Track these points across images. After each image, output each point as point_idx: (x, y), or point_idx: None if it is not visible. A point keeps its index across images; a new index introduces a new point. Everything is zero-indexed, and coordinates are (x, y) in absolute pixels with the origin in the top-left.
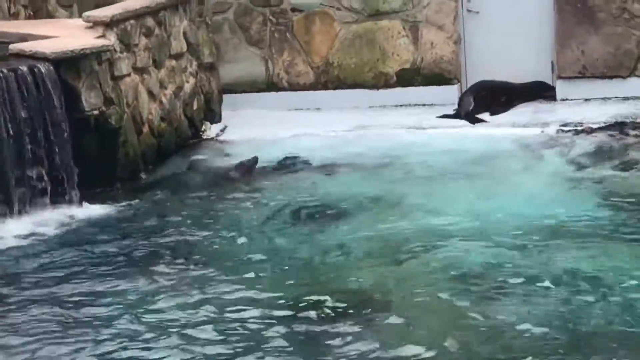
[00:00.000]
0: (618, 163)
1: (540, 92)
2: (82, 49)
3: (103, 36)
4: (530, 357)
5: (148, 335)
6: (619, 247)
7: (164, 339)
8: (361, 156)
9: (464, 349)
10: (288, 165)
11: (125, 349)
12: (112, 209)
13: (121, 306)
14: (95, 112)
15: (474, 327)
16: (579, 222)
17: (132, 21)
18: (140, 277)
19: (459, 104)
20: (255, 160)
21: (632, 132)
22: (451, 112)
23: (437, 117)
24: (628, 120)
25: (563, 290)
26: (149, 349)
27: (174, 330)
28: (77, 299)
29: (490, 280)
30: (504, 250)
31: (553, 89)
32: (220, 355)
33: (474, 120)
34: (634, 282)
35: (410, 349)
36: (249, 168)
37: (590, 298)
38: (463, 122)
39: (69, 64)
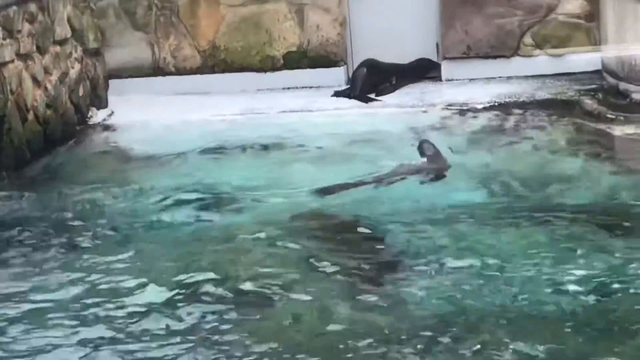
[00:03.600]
0: (502, 143)
1: (426, 69)
2: None
3: None
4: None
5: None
6: (500, 227)
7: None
8: (250, 139)
9: (359, 325)
10: (175, 150)
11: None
12: None
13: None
14: None
15: (361, 304)
16: (461, 203)
17: (14, 7)
18: (22, 266)
19: (352, 83)
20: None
21: (515, 111)
22: (341, 90)
23: (332, 95)
24: (511, 100)
25: (439, 272)
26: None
27: (59, 316)
28: None
29: (370, 259)
30: (387, 230)
31: (438, 65)
32: (101, 338)
33: (366, 100)
34: (510, 263)
35: (299, 332)
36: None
37: (467, 281)
38: (351, 103)
39: None
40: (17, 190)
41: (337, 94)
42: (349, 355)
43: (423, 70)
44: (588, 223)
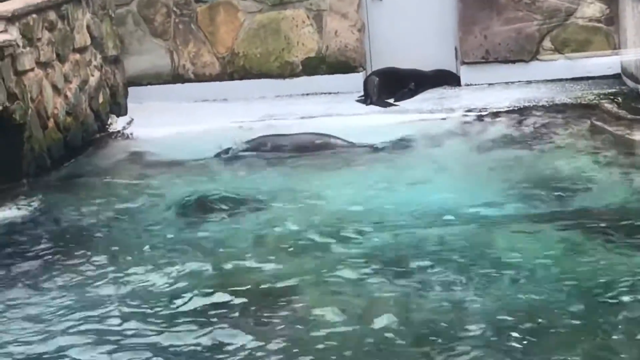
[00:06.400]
0: (522, 147)
1: (446, 79)
2: None
3: (5, 31)
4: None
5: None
6: (525, 231)
7: (61, 337)
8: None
9: (373, 330)
10: (196, 157)
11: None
12: (17, 205)
13: (14, 304)
14: None
15: (379, 311)
16: (485, 207)
17: (34, 15)
18: (43, 273)
19: (365, 91)
20: None
21: (535, 116)
22: (361, 97)
23: (356, 100)
24: (531, 104)
25: (462, 274)
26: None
27: (73, 329)
28: None
29: (395, 266)
30: (412, 237)
31: (458, 77)
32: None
33: (384, 105)
34: (538, 265)
35: (320, 336)
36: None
37: (494, 282)
38: (369, 108)
39: None
40: (37, 197)
41: (360, 100)
42: None
43: (443, 80)
44: (608, 226)
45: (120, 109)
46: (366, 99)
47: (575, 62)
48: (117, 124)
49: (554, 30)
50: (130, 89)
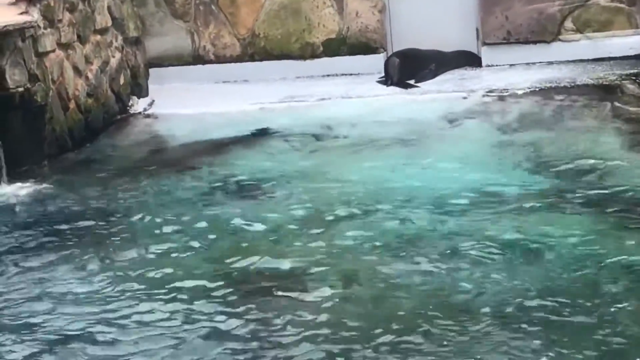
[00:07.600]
0: (543, 128)
1: (467, 60)
2: (5, 26)
3: (26, 12)
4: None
5: (64, 317)
6: (546, 212)
7: (80, 318)
8: (290, 128)
9: (389, 313)
10: (216, 139)
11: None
12: (38, 187)
13: (36, 287)
14: (20, 89)
15: (399, 292)
16: (506, 188)
17: None
18: (60, 256)
19: (385, 72)
20: None
21: (556, 97)
22: (382, 79)
23: (377, 81)
24: (552, 85)
25: (487, 256)
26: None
27: (95, 311)
28: None
29: (416, 248)
30: (434, 218)
31: (479, 58)
32: (145, 337)
33: (405, 86)
34: (558, 246)
35: (338, 319)
36: None
37: (514, 265)
38: (390, 89)
39: None
40: (58, 178)
41: (380, 82)
42: None
43: (464, 61)
44: (631, 208)
45: (141, 90)
46: (387, 80)
47: (597, 42)
48: (138, 105)
49: (575, 10)
50: (151, 71)
